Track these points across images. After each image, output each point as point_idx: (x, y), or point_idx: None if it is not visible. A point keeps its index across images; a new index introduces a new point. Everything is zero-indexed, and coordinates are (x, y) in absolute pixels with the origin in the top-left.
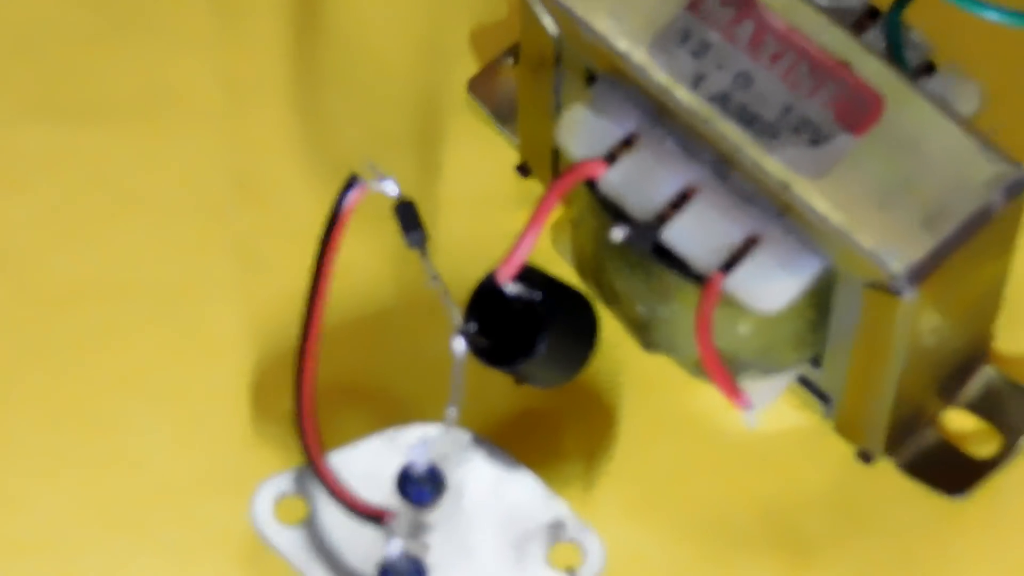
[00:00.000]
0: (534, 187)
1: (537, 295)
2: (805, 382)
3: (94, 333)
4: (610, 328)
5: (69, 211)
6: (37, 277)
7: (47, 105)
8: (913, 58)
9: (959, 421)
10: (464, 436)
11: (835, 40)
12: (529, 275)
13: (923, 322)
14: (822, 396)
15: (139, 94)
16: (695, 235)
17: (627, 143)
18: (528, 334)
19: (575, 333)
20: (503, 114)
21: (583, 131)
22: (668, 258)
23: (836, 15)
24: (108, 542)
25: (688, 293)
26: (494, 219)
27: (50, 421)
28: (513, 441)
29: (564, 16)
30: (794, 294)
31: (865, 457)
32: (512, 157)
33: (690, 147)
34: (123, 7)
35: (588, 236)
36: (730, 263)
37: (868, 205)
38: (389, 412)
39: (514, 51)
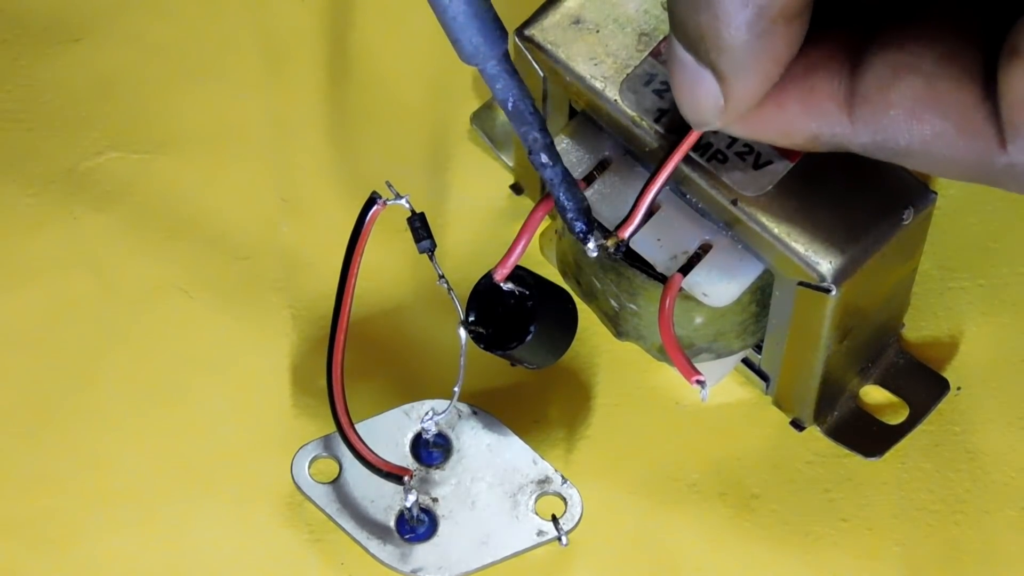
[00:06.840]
0: (525, 203)
1: (527, 292)
2: (748, 363)
3: (168, 323)
4: (587, 319)
5: (147, 223)
6: (122, 276)
7: (129, 137)
8: None
9: (874, 395)
10: (466, 409)
11: None
12: (520, 275)
13: (845, 314)
14: (762, 375)
15: (204, 128)
16: (658, 242)
17: (602, 166)
18: (520, 324)
19: (559, 323)
20: (500, 142)
21: (565, 156)
22: (636, 261)
23: None
24: (179, 493)
25: (652, 291)
26: (491, 229)
27: (132, 395)
28: (507, 412)
29: (550, 62)
30: (740, 291)
31: (797, 425)
32: (507, 178)
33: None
34: (191, 58)
35: (569, 243)
36: (687, 266)
37: (801, 218)
38: (404, 389)
39: None
